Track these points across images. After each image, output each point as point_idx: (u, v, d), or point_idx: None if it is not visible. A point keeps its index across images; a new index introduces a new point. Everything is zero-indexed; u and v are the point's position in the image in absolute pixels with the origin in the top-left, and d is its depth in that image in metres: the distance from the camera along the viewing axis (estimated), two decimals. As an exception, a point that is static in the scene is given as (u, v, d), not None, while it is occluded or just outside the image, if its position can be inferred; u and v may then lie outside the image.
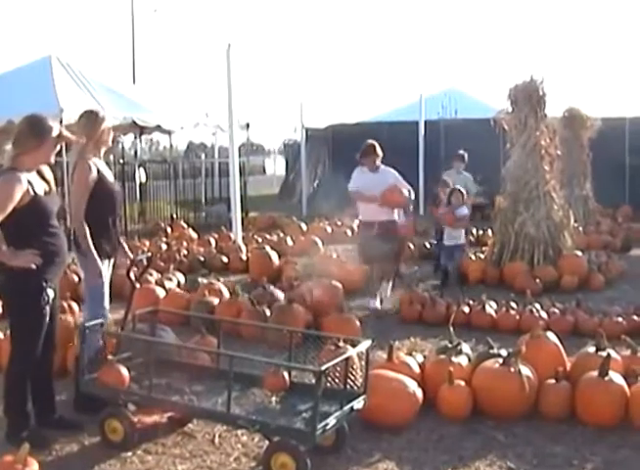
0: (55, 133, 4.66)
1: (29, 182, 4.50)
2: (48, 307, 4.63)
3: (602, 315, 7.50)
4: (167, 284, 8.92)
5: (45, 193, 4.66)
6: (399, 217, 8.70)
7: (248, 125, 19.19)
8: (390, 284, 8.93)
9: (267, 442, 4.38)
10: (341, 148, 21.99)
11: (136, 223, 17.11)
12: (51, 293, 4.64)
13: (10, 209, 4.39)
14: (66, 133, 4.85)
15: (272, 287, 8.54)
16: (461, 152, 12.28)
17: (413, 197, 8.81)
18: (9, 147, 4.64)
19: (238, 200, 12.69)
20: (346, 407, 4.39)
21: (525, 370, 5.07)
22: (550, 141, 10.62)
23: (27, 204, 4.48)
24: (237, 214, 12.70)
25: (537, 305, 7.72)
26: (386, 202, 8.47)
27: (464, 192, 10.07)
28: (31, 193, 4.50)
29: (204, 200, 20.09)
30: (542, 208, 10.35)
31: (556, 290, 9.37)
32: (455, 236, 9.88)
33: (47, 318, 4.65)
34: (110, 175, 5.47)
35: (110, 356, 4.95)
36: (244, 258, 11.47)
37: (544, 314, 7.50)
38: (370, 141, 8.98)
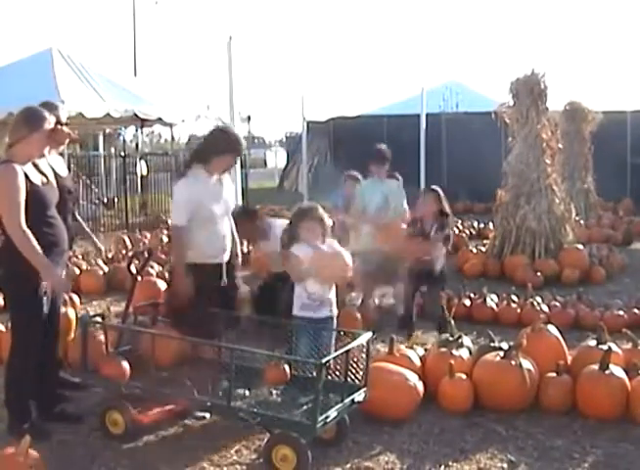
0: (48, 126, 4.64)
1: (25, 173, 4.48)
2: (45, 298, 4.62)
3: (603, 309, 7.50)
4: (169, 277, 8.90)
5: (43, 184, 4.66)
6: None
7: (249, 118, 19.25)
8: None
9: (268, 434, 4.40)
10: (342, 141, 22.00)
11: (137, 216, 17.12)
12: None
13: (19, 198, 4.39)
14: (64, 129, 4.84)
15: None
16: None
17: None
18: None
19: (239, 192, 12.69)
20: (347, 400, 4.40)
21: (526, 363, 5.07)
22: (551, 134, 10.61)
23: (25, 194, 4.47)
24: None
25: (538, 299, 7.73)
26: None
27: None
28: (28, 184, 4.48)
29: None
30: (543, 201, 10.35)
31: (557, 283, 9.37)
32: None
33: (45, 309, 4.63)
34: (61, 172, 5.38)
35: (111, 349, 4.97)
36: (244, 250, 11.45)
37: (545, 308, 7.50)
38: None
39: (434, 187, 7.03)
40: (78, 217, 5.93)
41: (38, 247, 4.42)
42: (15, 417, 4.73)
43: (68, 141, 5.64)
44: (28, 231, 4.40)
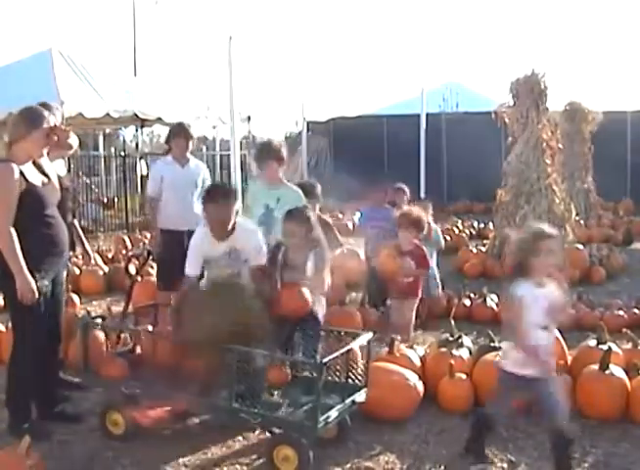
0: (47, 125, 4.64)
1: (22, 172, 4.48)
2: (43, 298, 4.60)
3: (603, 309, 7.50)
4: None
5: (43, 184, 4.65)
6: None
7: (249, 118, 19.20)
8: None
9: (269, 434, 4.39)
10: (342, 141, 21.99)
11: (137, 216, 17.11)
12: (46, 283, 4.63)
13: (12, 198, 4.40)
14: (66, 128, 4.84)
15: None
16: None
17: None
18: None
19: (239, 192, 12.66)
20: (348, 400, 4.40)
21: (527, 363, 5.07)
22: (551, 134, 10.63)
23: (21, 193, 4.47)
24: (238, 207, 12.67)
25: (538, 299, 7.71)
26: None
27: None
28: (24, 183, 4.49)
29: (205, 192, 20.05)
30: (543, 201, 10.36)
31: (557, 283, 9.35)
32: None
33: (42, 309, 4.62)
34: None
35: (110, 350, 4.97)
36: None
37: (545, 308, 7.49)
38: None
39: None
40: (75, 222, 5.93)
41: (20, 251, 4.41)
42: (15, 417, 4.74)
43: (73, 150, 5.65)
44: (14, 232, 4.41)
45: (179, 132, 6.68)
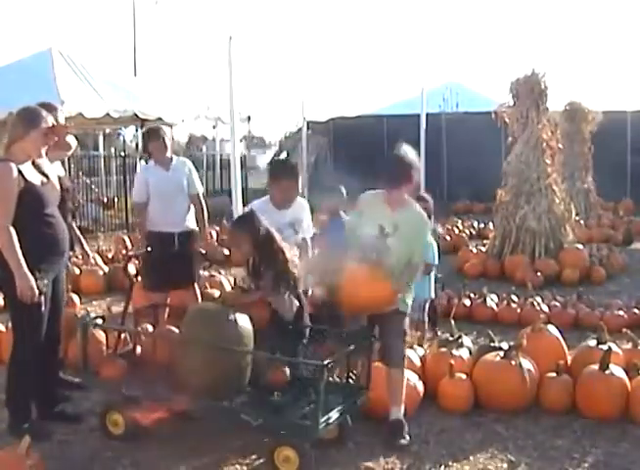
0: (45, 124, 4.64)
1: (20, 171, 4.48)
2: (43, 297, 4.59)
3: (603, 309, 7.51)
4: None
5: (42, 183, 4.65)
6: None
7: (249, 118, 19.20)
8: None
9: (270, 436, 4.39)
10: (342, 141, 22.00)
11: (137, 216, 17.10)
12: (46, 283, 4.61)
13: (10, 197, 4.40)
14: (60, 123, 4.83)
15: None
16: None
17: None
18: None
19: (239, 192, 12.62)
20: (349, 401, 4.39)
21: (526, 363, 5.08)
22: (551, 134, 10.63)
23: (21, 192, 4.47)
24: (238, 207, 12.66)
25: (538, 299, 7.73)
26: None
27: None
28: (23, 182, 4.48)
29: (205, 192, 20.08)
30: (543, 201, 10.36)
31: (557, 283, 9.38)
32: None
33: (42, 308, 4.62)
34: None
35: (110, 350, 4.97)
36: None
37: (545, 307, 7.51)
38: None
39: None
40: (73, 223, 5.93)
41: (19, 250, 4.41)
42: (15, 417, 4.73)
43: (72, 150, 5.65)
44: (13, 231, 4.41)
45: (154, 135, 6.52)
